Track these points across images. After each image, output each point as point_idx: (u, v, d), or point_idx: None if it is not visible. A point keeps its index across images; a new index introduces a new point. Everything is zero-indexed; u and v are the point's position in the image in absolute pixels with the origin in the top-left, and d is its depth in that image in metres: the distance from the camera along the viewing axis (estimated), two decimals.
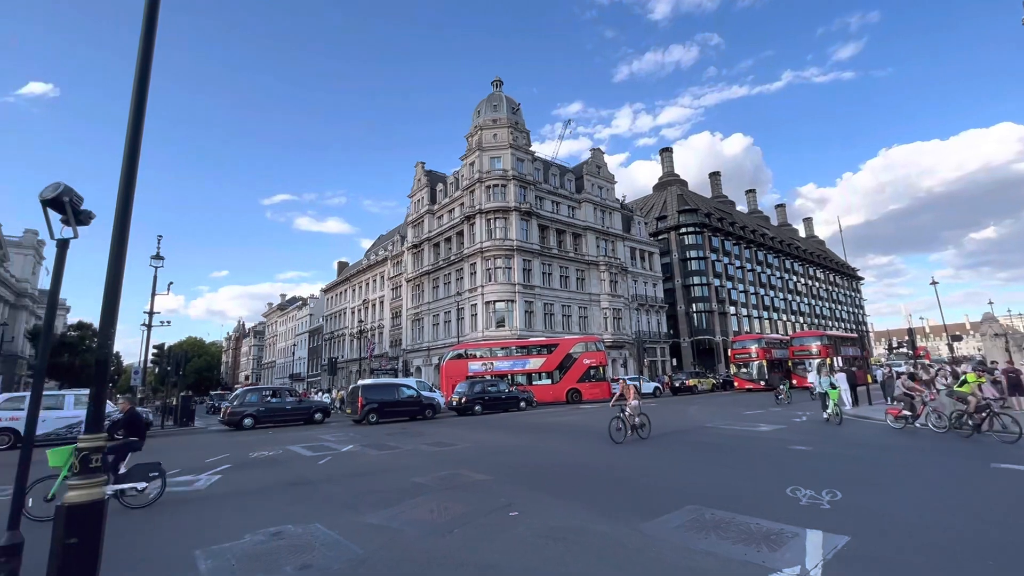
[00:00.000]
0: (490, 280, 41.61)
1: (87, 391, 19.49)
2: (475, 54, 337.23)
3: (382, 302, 58.97)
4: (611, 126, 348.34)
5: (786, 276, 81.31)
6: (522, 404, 25.24)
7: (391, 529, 5.83)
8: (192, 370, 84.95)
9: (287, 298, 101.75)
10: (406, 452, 11.99)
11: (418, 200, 54.88)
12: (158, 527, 6.29)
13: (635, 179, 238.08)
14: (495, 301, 41.14)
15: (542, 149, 51.92)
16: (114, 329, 3.67)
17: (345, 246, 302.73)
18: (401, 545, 5.27)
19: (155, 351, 24.33)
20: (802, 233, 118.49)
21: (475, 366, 29.98)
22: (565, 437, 13.92)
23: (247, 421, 19.70)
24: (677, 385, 37.66)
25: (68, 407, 17.17)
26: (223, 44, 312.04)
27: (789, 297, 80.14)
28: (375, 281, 61.71)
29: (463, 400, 23.55)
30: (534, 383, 30.02)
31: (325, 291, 76.54)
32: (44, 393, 17.65)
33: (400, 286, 55.01)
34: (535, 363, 30.63)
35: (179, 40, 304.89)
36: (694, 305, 63.84)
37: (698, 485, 7.52)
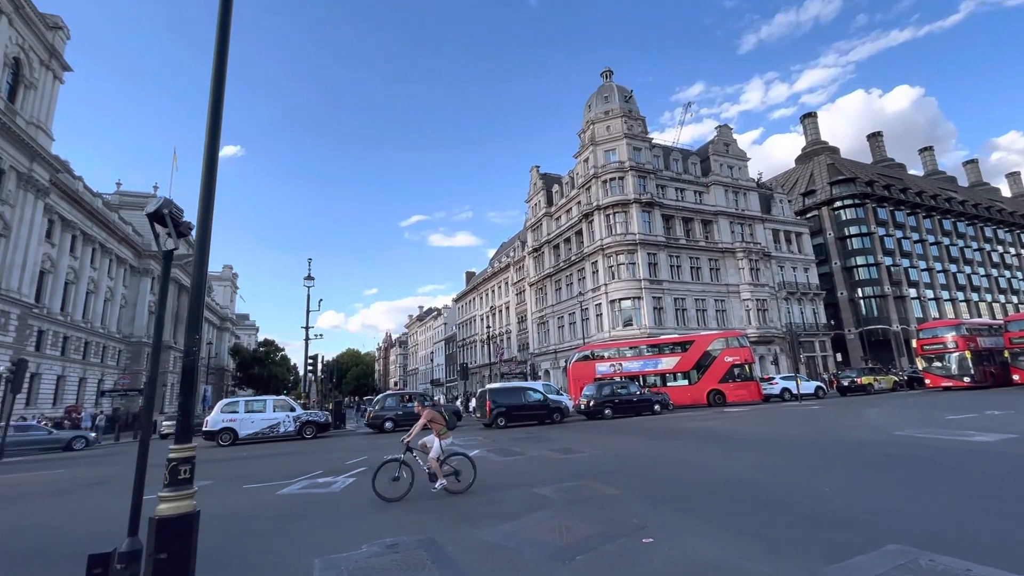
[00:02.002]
0: (613, 278, 39.94)
1: (284, 397, 22.66)
2: (582, 48, 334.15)
3: (508, 307, 60.33)
4: (739, 102, 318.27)
5: (987, 247, 65.78)
6: (656, 407, 23.38)
7: (507, 550, 5.21)
8: (352, 377, 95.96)
9: (424, 309, 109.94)
10: (531, 459, 11.44)
11: (535, 204, 55.19)
12: (292, 530, 6.46)
13: (771, 155, 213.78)
14: (620, 299, 39.34)
15: (661, 138, 48.66)
16: (199, 344, 3.56)
17: (473, 257, 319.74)
18: (516, 571, 4.61)
19: (310, 361, 27.53)
20: (1006, 192, 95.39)
21: (603, 368, 28.71)
22: (708, 445, 12.21)
23: (388, 424, 21.03)
24: (846, 384, 32.12)
25: (268, 411, 20.02)
26: (344, 76, 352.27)
27: (994, 272, 64.66)
28: (500, 288, 63.45)
29: (591, 403, 22.52)
30: (669, 384, 27.78)
31: (456, 300, 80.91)
32: (248, 399, 20.89)
33: (524, 291, 55.72)
34: (668, 363, 28.34)
35: (310, 76, 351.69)
36: (859, 290, 54.66)
37: (897, 515, 5.68)
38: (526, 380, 42.11)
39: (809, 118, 79.17)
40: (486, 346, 57.18)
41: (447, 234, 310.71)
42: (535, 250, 53.09)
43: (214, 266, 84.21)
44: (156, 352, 4.06)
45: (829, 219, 57.55)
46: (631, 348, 30.03)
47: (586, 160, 44.74)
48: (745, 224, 46.81)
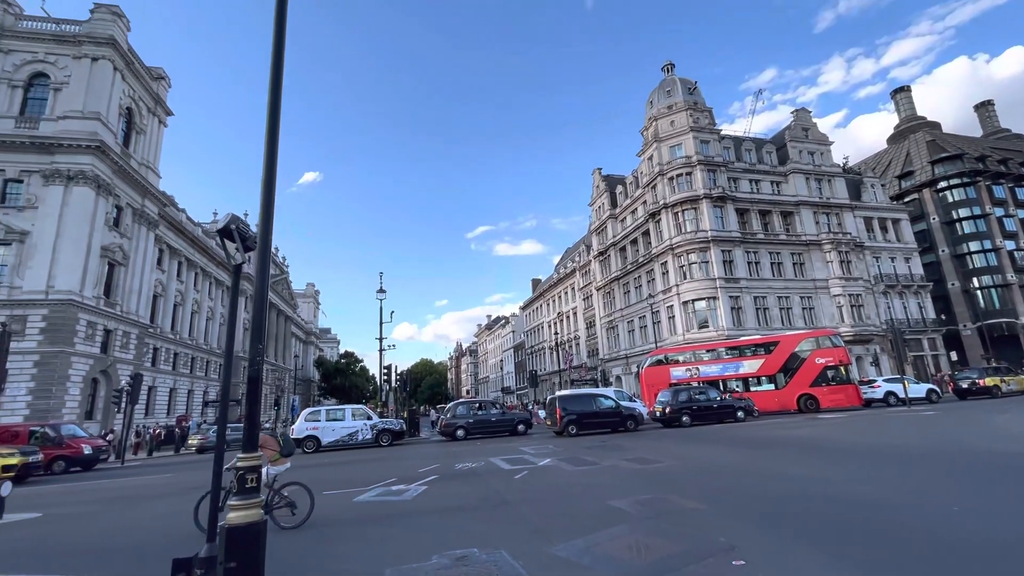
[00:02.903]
0: (685, 278, 38.16)
1: (361, 406, 23.78)
2: (642, 45, 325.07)
3: (575, 313, 59.54)
4: (817, 84, 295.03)
5: None
6: (739, 414, 21.81)
7: (581, 567, 4.89)
8: (426, 386, 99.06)
9: (492, 318, 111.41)
10: (604, 469, 10.95)
11: (599, 207, 54.23)
12: (366, 538, 6.52)
13: (858, 138, 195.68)
14: (693, 300, 37.46)
15: (731, 130, 46.07)
16: (262, 353, 3.60)
17: (539, 264, 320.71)
18: None
19: (385, 371, 28.60)
20: None
21: (678, 372, 27.33)
22: (803, 456, 11.08)
23: (459, 432, 21.24)
24: (965, 386, 28.29)
25: (347, 419, 21.00)
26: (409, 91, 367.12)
27: None
28: (566, 293, 62.83)
29: (667, 410, 21.44)
30: (752, 389, 25.87)
31: (523, 308, 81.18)
32: (329, 408, 22.08)
33: (591, 295, 54.77)
34: (750, 366, 26.43)
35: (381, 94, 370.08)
36: (975, 279, 48.46)
37: None
38: (596, 386, 41.15)
39: (901, 93, 71.81)
40: (554, 353, 56.71)
41: (512, 243, 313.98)
42: (601, 254, 52.06)
43: (298, 284, 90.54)
44: (228, 363, 4.19)
45: (932, 202, 51.55)
46: (708, 351, 28.37)
47: (650, 158, 43.31)
48: (831, 213, 43.03)
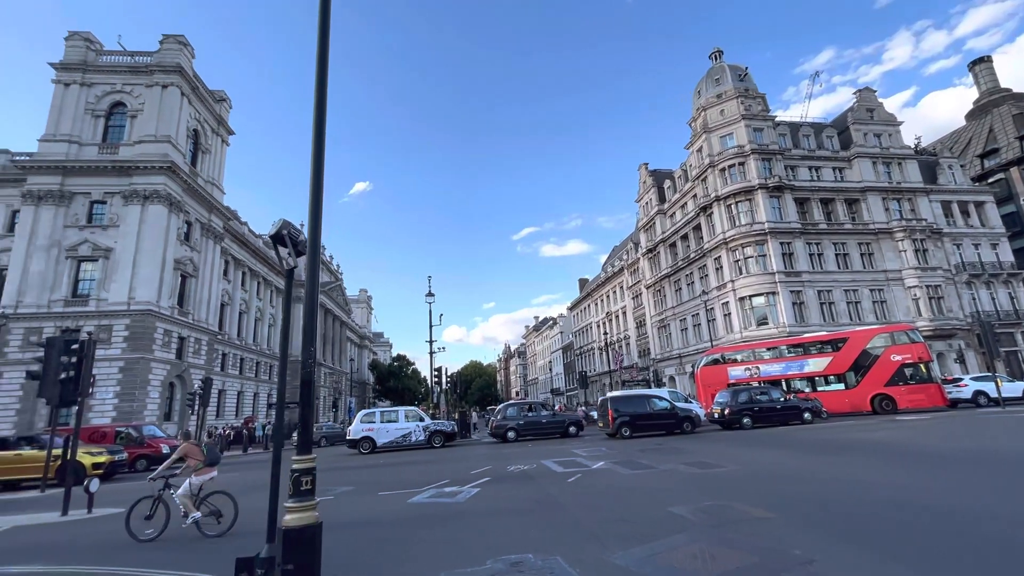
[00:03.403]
0: (741, 273, 36.48)
1: (414, 408, 24.32)
2: (687, 34, 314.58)
3: (624, 312, 58.33)
4: (881, 62, 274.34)
5: None
6: (806, 415, 20.50)
7: None
8: (476, 388, 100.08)
9: (540, 320, 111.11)
10: (662, 473, 10.53)
11: (646, 203, 52.91)
12: (419, 540, 6.52)
13: (930, 117, 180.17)
14: (751, 296, 35.74)
15: (787, 116, 43.60)
16: (314, 356, 3.61)
17: (585, 264, 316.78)
18: None
19: (435, 374, 29.04)
20: None
21: (736, 372, 26.09)
22: (884, 462, 10.19)
23: (510, 434, 21.19)
24: None
25: (400, 420, 21.50)
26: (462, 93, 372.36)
27: None
28: (615, 293, 61.68)
29: (726, 411, 20.46)
30: (819, 389, 24.30)
31: (570, 309, 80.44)
32: (383, 409, 22.69)
33: (640, 294, 53.47)
34: (817, 364, 24.83)
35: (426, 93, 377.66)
36: None
37: None
38: (649, 387, 40.06)
39: (981, 64, 65.56)
40: (604, 353, 55.75)
41: (558, 243, 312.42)
42: (650, 251, 50.73)
43: (352, 291, 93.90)
44: (283, 365, 4.25)
45: (1021, 181, 46.71)
46: (768, 349, 26.91)
47: (699, 149, 41.78)
48: (903, 199, 39.87)
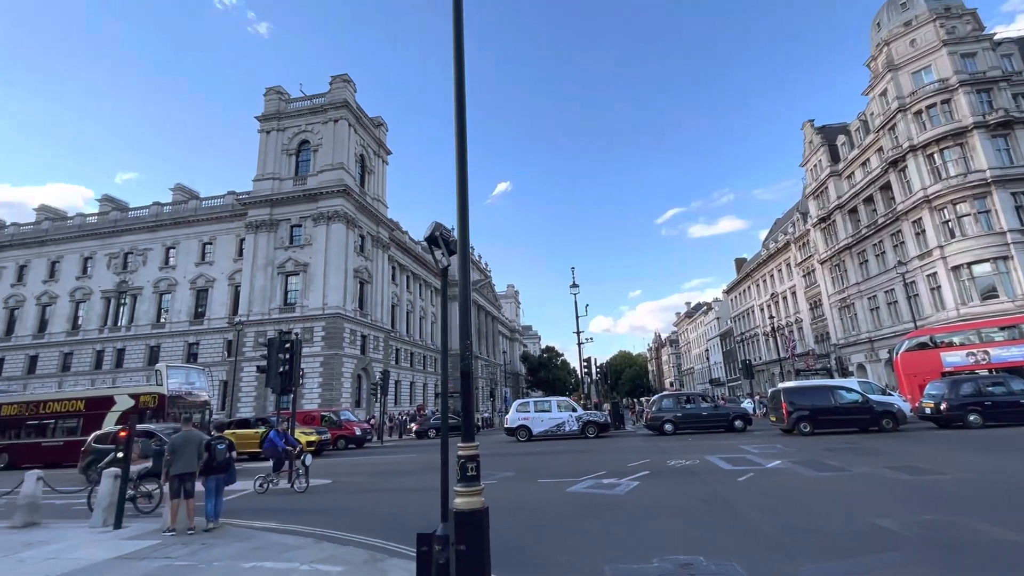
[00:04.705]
0: (953, 236, 29.56)
1: (566, 398, 24.83)
2: None
3: (793, 292, 51.52)
4: None
5: None
6: None
7: None
8: (627, 379, 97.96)
9: (692, 305, 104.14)
10: (857, 477, 9.02)
11: (814, 166, 45.88)
12: (581, 530, 6.53)
13: None
14: (969, 264, 28.75)
15: (1014, 30, 33.79)
16: (471, 348, 3.79)
17: (742, 241, 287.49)
18: None
19: (584, 364, 28.99)
20: None
21: (953, 358, 21.21)
22: None
23: (667, 427, 20.18)
24: None
25: (554, 410, 22.11)
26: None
27: None
28: (780, 271, 54.85)
29: (942, 406, 16.76)
30: None
31: (727, 292, 73.82)
32: (537, 399, 23.61)
33: (813, 270, 46.68)
34: None
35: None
36: None
37: None
38: (830, 376, 34.77)
39: None
40: (770, 339, 49.94)
41: (708, 222, 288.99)
42: (822, 220, 43.86)
43: (500, 287, 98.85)
44: (444, 358, 4.56)
45: None
46: (1002, 329, 21.35)
47: (883, 93, 34.74)
48: None
